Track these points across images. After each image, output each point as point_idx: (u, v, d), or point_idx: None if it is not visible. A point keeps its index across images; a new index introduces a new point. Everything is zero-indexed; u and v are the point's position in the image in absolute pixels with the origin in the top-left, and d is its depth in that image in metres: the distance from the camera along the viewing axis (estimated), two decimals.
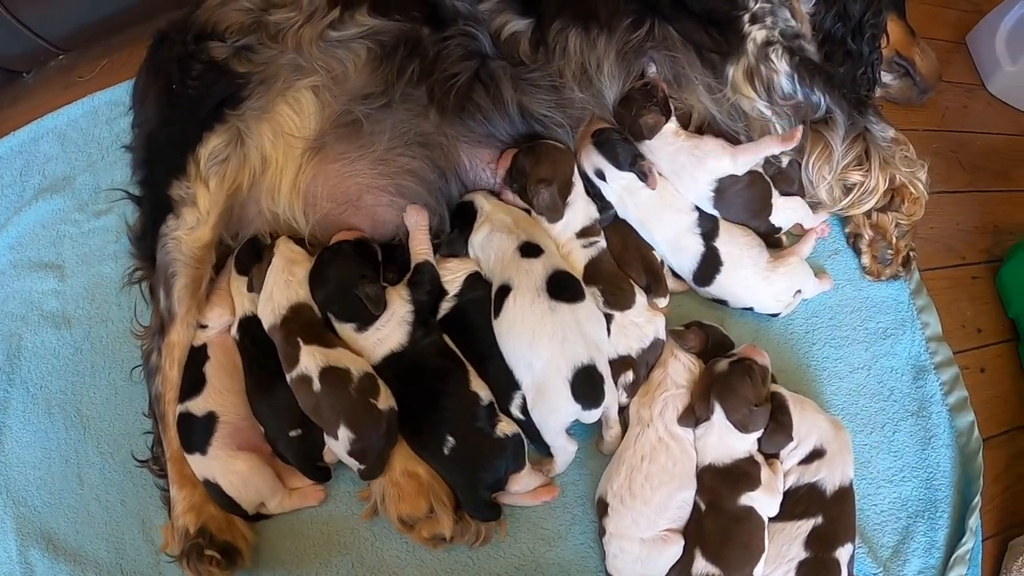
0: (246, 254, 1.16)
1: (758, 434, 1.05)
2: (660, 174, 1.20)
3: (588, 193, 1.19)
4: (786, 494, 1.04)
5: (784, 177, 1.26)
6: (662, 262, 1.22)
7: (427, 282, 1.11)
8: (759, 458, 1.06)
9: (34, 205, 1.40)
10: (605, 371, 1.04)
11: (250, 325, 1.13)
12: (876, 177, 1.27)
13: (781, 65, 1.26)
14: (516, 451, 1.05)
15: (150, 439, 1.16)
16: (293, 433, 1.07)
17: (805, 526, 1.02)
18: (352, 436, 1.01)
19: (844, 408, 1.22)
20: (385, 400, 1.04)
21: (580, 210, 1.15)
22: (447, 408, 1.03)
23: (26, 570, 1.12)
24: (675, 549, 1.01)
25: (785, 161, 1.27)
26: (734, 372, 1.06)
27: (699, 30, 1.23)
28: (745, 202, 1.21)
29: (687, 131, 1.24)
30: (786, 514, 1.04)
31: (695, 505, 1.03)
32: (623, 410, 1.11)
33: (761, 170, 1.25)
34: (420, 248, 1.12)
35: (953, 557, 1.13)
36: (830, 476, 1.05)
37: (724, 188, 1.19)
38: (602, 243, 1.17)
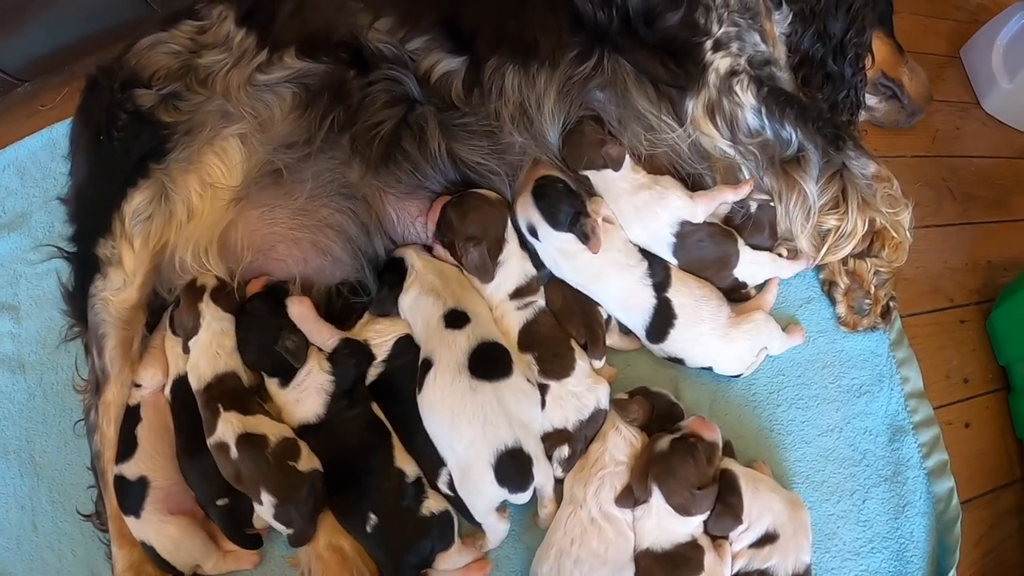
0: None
1: (703, 517, 0.84)
2: (608, 221, 0.95)
3: (525, 247, 0.94)
4: None
5: (756, 224, 1.00)
6: (608, 319, 0.98)
7: (351, 366, 0.90)
8: (704, 541, 0.84)
9: None
10: (535, 450, 0.83)
11: (182, 386, 0.94)
12: (854, 220, 0.99)
13: (746, 98, 0.98)
14: (443, 530, 0.86)
15: (95, 493, 1.00)
16: (220, 502, 0.89)
17: None
18: (274, 501, 0.84)
19: (809, 476, 0.98)
20: (307, 462, 0.87)
21: (514, 269, 0.92)
22: (370, 486, 0.84)
23: None
24: None
25: (754, 206, 1.00)
26: (676, 452, 0.84)
27: (654, 62, 0.96)
28: (704, 255, 0.96)
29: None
30: None
31: None
32: (560, 483, 0.89)
33: (719, 223, 0.99)
34: (325, 337, 0.91)
35: None
36: (783, 562, 0.84)
37: (685, 234, 0.95)
38: (540, 303, 0.94)
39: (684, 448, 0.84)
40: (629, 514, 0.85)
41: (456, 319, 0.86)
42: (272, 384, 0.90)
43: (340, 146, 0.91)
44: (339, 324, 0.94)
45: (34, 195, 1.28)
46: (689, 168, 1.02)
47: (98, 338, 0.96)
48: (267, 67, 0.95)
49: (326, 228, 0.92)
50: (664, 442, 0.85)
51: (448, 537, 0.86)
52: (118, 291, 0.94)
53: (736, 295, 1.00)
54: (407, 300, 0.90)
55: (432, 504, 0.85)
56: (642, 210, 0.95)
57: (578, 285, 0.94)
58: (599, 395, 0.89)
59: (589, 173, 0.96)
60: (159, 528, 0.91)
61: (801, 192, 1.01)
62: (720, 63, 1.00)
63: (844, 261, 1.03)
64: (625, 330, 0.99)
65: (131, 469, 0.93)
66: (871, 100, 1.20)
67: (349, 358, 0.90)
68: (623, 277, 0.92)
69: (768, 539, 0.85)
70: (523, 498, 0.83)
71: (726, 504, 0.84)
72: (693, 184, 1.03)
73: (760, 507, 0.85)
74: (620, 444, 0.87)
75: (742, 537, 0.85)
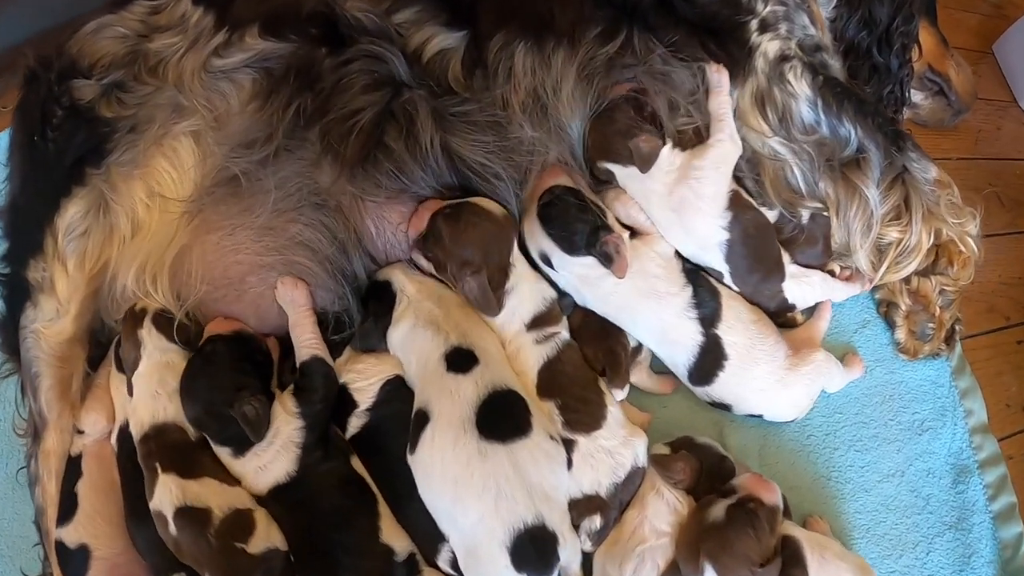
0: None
1: None
2: (640, 230, 0.68)
3: (538, 268, 0.67)
4: None
5: (808, 238, 0.73)
6: (638, 347, 0.71)
7: (319, 387, 0.62)
8: None
9: None
10: (560, 526, 0.57)
11: (130, 435, 0.67)
12: (918, 233, 0.74)
13: (801, 87, 0.72)
14: None
15: (43, 551, 0.74)
16: None
17: None
18: None
19: (869, 529, 0.73)
20: (263, 540, 0.59)
21: (527, 295, 0.65)
22: (347, 566, 0.58)
23: None
24: None
25: (806, 215, 0.73)
26: (733, 522, 0.59)
27: (692, 41, 0.70)
28: (751, 253, 0.69)
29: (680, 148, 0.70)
30: None
31: None
32: (589, 558, 0.63)
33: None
34: (305, 339, 0.64)
35: None
36: None
37: (737, 225, 0.67)
38: (564, 335, 0.66)
39: (743, 517, 0.59)
40: None
41: (461, 360, 0.59)
42: (222, 453, 0.62)
43: (308, 143, 0.64)
44: None
45: None
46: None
47: (32, 377, 0.69)
48: (225, 50, 0.68)
49: (298, 248, 0.64)
50: (718, 509, 0.60)
51: None
52: (51, 322, 0.67)
53: (782, 319, 0.74)
54: (398, 334, 0.63)
55: None
56: (683, 211, 0.67)
57: (605, 314, 0.67)
58: (636, 450, 0.63)
59: (614, 168, 0.69)
60: None
61: (862, 200, 0.74)
62: (768, 46, 0.74)
63: (907, 280, 0.77)
64: (658, 366, 0.73)
65: (71, 535, 0.66)
66: (916, 96, 0.94)
67: (319, 386, 0.61)
68: (660, 308, 0.65)
69: None
70: None
71: None
72: None
73: None
74: (662, 511, 0.61)
75: None
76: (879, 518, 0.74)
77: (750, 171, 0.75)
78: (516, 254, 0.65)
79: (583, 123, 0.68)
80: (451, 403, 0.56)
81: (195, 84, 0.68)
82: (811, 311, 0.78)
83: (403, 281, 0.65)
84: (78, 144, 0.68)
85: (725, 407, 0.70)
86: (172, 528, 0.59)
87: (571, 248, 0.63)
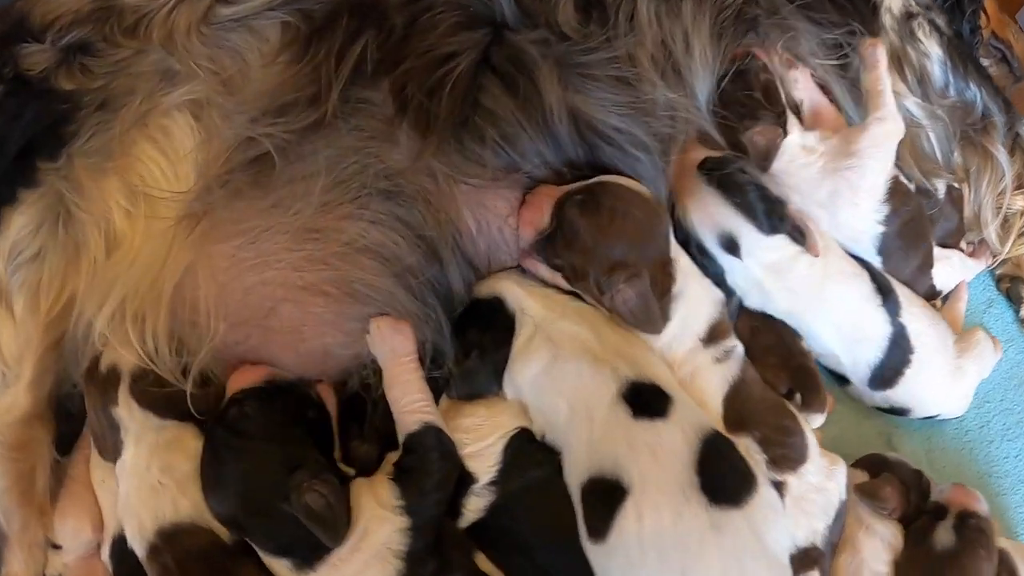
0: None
1: None
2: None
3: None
4: None
5: (945, 214, 0.56)
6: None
7: (434, 469, 0.36)
8: None
9: None
10: None
11: (130, 549, 0.38)
12: None
13: (931, 46, 0.56)
14: None
15: None
16: None
17: None
18: None
19: None
20: None
21: (699, 299, 0.42)
22: None
23: None
24: None
25: (942, 188, 0.56)
26: (966, 546, 0.41)
27: None
28: (907, 243, 0.50)
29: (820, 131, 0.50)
30: None
31: None
32: None
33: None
34: (410, 401, 0.37)
35: None
36: None
37: (896, 218, 0.48)
38: (740, 349, 0.43)
39: (972, 537, 0.42)
40: None
41: (648, 400, 0.36)
42: (279, 567, 0.35)
43: (372, 105, 0.38)
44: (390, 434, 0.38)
45: None
46: None
47: None
48: None
49: (360, 257, 0.37)
50: (944, 535, 0.42)
51: None
52: None
53: None
54: (528, 372, 0.38)
55: None
56: (832, 205, 0.47)
57: (789, 314, 0.46)
58: (839, 480, 0.42)
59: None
60: None
61: (995, 167, 0.58)
62: (891, 2, 0.56)
63: None
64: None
65: None
66: (983, 63, 0.82)
67: (433, 471, 0.35)
68: (850, 294, 0.46)
69: None
70: None
71: None
72: None
73: None
74: (877, 549, 0.42)
75: None
76: None
77: None
78: (675, 246, 0.42)
79: (711, 88, 0.46)
80: (655, 462, 0.33)
81: (192, 42, 0.41)
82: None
83: (521, 296, 0.40)
84: (24, 127, 0.39)
85: (901, 412, 0.51)
86: None
87: (767, 225, 0.41)
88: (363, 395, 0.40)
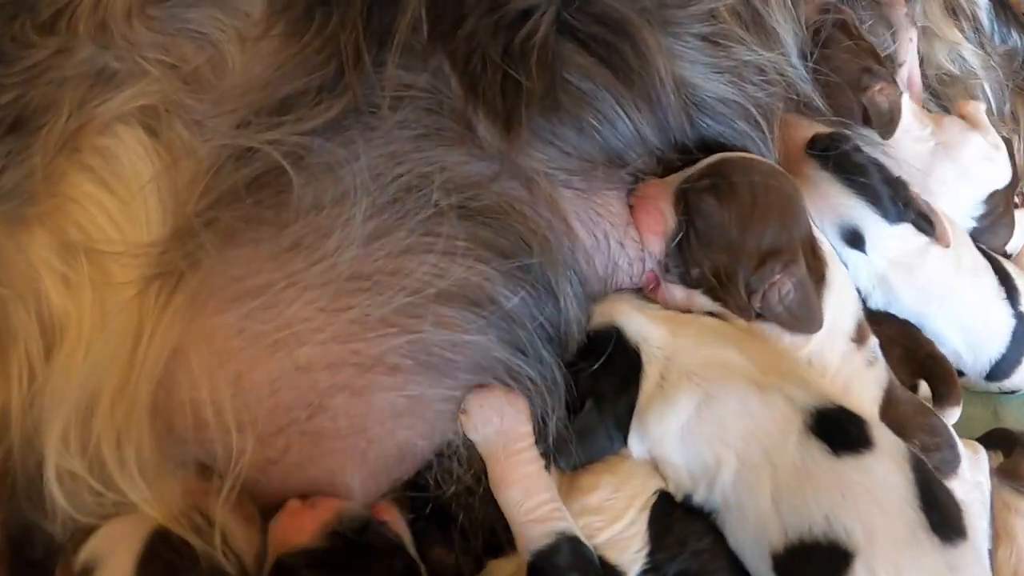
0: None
1: None
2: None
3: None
4: None
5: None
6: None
7: None
8: None
9: None
10: None
11: None
12: None
13: None
14: None
15: None
16: None
17: None
18: None
19: None
20: None
21: (841, 287, 0.33)
22: None
23: None
24: None
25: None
26: None
27: None
28: (997, 220, 0.46)
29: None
30: None
31: None
32: None
33: None
34: (535, 505, 0.25)
35: None
36: None
37: (991, 212, 0.45)
38: (879, 349, 0.36)
39: None
40: None
41: (843, 428, 0.27)
42: None
43: (423, 91, 0.25)
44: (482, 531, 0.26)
45: None
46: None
47: None
48: None
49: (438, 307, 0.24)
50: None
51: None
52: None
53: None
54: (670, 423, 0.28)
55: None
56: (941, 190, 0.42)
57: (916, 312, 0.39)
58: (984, 468, 0.37)
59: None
60: None
61: None
62: None
63: None
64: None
65: None
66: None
67: None
68: (980, 288, 0.40)
69: None
70: None
71: None
72: None
73: None
74: None
75: None
76: None
77: (932, 91, 0.54)
78: (818, 232, 0.34)
79: (797, 42, 0.38)
80: (879, 509, 0.25)
81: (135, 29, 0.27)
82: None
83: (643, 324, 0.30)
84: None
85: (1008, 392, 0.47)
86: None
87: (893, 212, 0.34)
88: (442, 488, 0.28)
